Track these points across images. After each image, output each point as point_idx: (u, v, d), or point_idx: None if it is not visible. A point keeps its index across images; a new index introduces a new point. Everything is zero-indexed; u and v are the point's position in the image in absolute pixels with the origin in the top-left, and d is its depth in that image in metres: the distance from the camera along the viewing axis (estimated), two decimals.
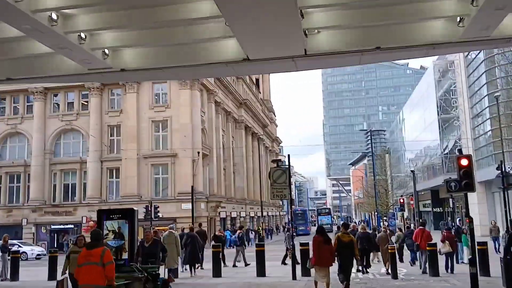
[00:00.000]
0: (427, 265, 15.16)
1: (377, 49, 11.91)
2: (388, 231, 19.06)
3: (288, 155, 14.60)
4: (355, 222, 36.99)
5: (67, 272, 11.11)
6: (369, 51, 12.01)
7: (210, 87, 44.09)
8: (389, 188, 50.97)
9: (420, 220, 20.48)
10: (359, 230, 17.04)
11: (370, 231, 19.02)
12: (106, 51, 12.55)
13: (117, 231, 15.37)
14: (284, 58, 12.49)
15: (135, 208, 15.33)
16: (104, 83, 40.98)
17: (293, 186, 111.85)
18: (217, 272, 15.66)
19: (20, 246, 32.91)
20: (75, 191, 41.87)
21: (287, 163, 15.35)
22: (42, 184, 41.48)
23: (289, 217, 16.70)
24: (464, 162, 13.19)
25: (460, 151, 14.41)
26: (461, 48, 13.17)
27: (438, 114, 48.06)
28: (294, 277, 14.51)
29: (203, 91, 43.24)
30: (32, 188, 41.39)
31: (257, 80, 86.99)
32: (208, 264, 17.20)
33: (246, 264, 19.59)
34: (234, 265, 19.75)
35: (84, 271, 7.20)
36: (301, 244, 15.53)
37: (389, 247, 15.50)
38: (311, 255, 12.69)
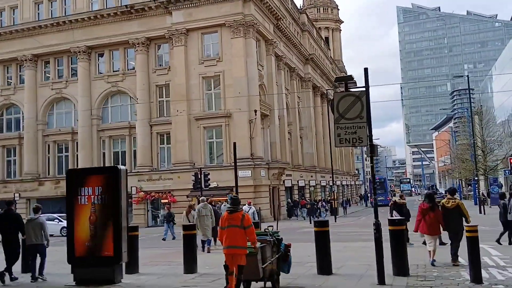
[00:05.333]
0: None
1: None
2: None
3: (365, 69, 8.29)
4: None
5: None
6: None
7: (268, 36, 37.90)
8: (487, 150, 42.50)
9: None
10: None
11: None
12: None
13: None
14: None
15: (120, 167, 10.05)
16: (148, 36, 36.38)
17: None
18: None
19: (61, 221, 29.72)
20: (125, 159, 38.10)
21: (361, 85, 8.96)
22: (91, 152, 38.22)
23: (369, 179, 10.37)
24: None
25: None
26: None
27: None
28: (381, 281, 8.40)
29: (260, 41, 37.20)
30: (81, 157, 38.20)
31: (327, 38, 79.35)
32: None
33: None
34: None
35: (227, 233, 7.59)
36: (391, 222, 9.41)
37: None
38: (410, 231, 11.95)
